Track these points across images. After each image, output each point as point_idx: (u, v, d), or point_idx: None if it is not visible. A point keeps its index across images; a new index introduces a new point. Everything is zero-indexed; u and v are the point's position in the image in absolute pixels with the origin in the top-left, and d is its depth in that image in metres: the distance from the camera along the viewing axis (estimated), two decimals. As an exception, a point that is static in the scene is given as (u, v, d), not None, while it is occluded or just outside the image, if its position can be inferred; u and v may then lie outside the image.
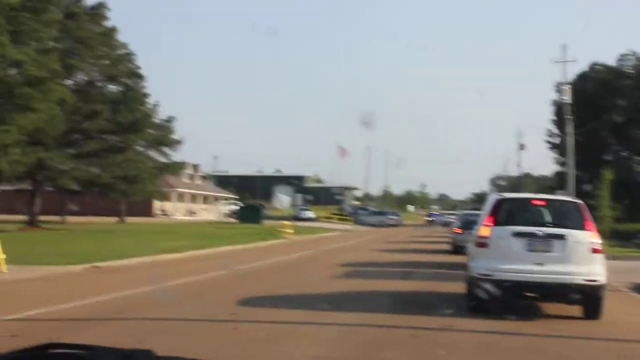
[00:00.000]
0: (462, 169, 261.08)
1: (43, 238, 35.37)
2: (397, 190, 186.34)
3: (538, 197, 14.64)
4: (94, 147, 45.94)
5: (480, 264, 13.33)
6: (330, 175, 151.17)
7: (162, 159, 64.12)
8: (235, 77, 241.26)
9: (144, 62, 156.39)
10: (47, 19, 33.48)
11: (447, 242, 38.36)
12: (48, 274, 19.90)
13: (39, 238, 35.21)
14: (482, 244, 13.48)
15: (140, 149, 61.91)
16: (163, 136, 62.12)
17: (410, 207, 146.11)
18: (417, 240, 49.66)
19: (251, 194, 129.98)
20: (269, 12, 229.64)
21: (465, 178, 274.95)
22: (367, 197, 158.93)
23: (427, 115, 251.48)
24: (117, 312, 13.02)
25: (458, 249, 31.48)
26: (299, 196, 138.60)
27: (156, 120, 61.70)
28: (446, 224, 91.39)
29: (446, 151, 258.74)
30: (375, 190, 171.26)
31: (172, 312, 13.15)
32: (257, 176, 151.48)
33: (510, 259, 13.04)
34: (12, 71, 31.40)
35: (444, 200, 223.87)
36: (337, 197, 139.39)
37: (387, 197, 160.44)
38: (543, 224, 13.38)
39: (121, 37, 52.02)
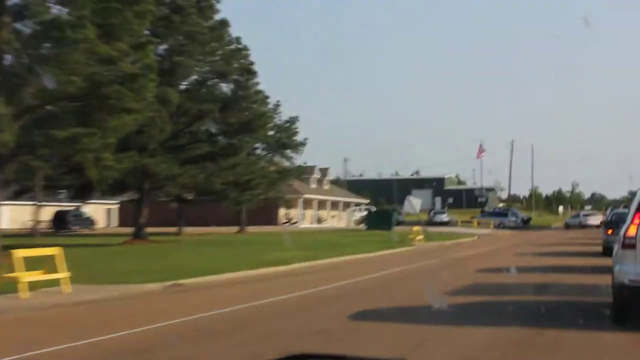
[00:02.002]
0: (620, 163, 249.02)
1: (142, 252, 34.27)
2: (547, 190, 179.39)
3: None
4: (203, 151, 44.42)
5: (628, 268, 12.42)
6: (474, 176, 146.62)
7: (286, 163, 63.15)
8: (367, 72, 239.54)
9: (260, 58, 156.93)
10: (141, 9, 31.93)
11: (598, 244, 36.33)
12: (116, 295, 18.38)
13: (137, 252, 34.15)
14: (629, 245, 12.49)
15: (260, 152, 61.00)
16: (285, 138, 60.92)
17: (560, 208, 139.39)
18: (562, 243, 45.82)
19: (386, 198, 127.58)
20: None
21: (623, 174, 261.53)
22: (512, 199, 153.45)
23: (577, 106, 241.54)
24: (137, 351, 10.53)
25: (610, 252, 28.56)
26: (438, 199, 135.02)
27: (277, 121, 60.59)
28: (583, 226, 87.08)
29: (600, 144, 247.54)
30: (523, 191, 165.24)
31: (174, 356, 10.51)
32: (393, 179, 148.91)
33: None
34: (102, 69, 29.88)
35: (597, 200, 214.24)
36: (480, 199, 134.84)
37: (534, 197, 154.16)
38: None
39: (233, 31, 50.45)
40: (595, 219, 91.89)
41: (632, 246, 12.44)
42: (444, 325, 12.56)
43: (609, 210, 73.56)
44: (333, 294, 18.88)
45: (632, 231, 12.60)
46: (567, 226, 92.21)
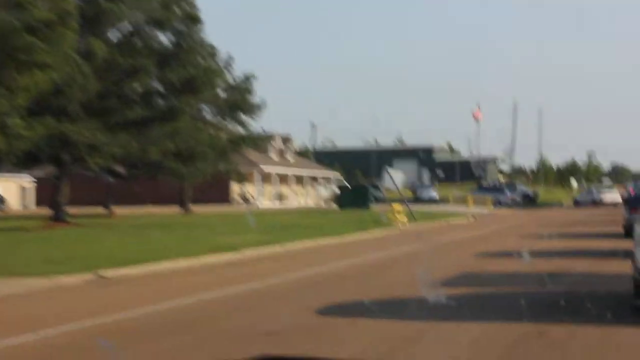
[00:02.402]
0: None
1: (61, 238, 33.96)
2: (558, 160, 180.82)
3: None
4: (136, 115, 43.89)
5: None
6: (470, 145, 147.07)
7: (240, 130, 62.79)
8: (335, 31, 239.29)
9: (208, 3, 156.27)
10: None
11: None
12: (21, 291, 17.87)
13: (55, 238, 33.83)
14: None
15: (208, 117, 60.55)
16: (238, 99, 60.47)
17: (574, 182, 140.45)
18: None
19: (364, 172, 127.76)
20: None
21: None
22: (516, 171, 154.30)
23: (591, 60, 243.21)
24: None
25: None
26: (425, 172, 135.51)
27: (228, 80, 60.11)
28: (597, 204, 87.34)
29: (621, 108, 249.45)
30: (529, 162, 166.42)
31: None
32: (371, 149, 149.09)
33: None
34: (8, 15, 29.37)
35: (619, 172, 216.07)
36: (477, 173, 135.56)
37: (543, 170, 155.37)
38: None
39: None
40: (613, 196, 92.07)
41: None
42: (434, 321, 12.66)
43: (631, 185, 73.91)
44: (294, 286, 18.86)
45: None
46: (577, 204, 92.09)
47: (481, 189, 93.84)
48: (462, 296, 15.83)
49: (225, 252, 26.60)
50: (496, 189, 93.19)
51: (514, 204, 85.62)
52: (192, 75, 46.21)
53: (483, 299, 15.87)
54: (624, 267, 15.84)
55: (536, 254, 24.97)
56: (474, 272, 20.73)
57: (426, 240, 34.55)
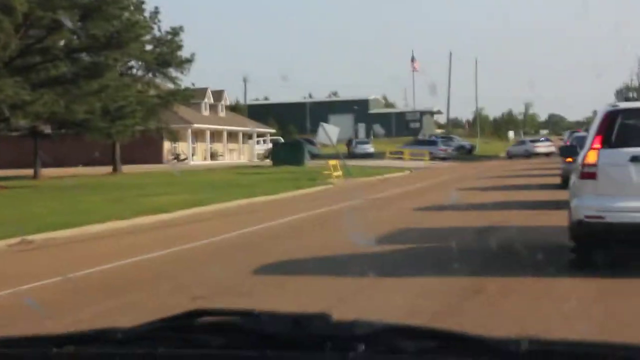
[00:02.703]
0: (580, 80, 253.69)
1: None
2: (495, 112, 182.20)
3: None
4: (60, 72, 43.14)
5: (587, 201, 12.88)
6: (406, 97, 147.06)
7: (170, 86, 62.19)
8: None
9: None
10: None
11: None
12: None
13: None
14: (588, 174, 12.91)
15: (136, 72, 59.82)
16: (166, 54, 59.80)
17: (511, 133, 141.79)
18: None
19: (299, 127, 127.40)
20: None
21: (583, 92, 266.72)
22: (453, 124, 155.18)
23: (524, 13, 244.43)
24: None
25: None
26: (362, 126, 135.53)
27: (156, 33, 59.37)
28: (530, 155, 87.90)
29: (557, 57, 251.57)
30: (466, 114, 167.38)
31: None
32: (306, 102, 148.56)
33: (628, 193, 12.66)
34: None
35: (556, 123, 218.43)
36: (413, 126, 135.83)
37: (479, 121, 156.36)
38: None
39: None
40: (547, 146, 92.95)
41: (592, 175, 12.81)
42: (372, 278, 12.64)
43: (566, 134, 74.66)
44: (227, 247, 18.84)
45: (591, 158, 12.92)
46: (510, 156, 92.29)
47: (416, 142, 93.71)
48: (399, 251, 15.91)
49: (157, 214, 26.44)
50: (430, 142, 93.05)
51: (449, 157, 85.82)
52: (116, 29, 45.42)
53: (420, 255, 15.98)
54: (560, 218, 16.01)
55: (472, 207, 25.22)
56: (410, 227, 20.80)
57: (361, 196, 34.61)
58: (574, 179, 14.18)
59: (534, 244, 15.69)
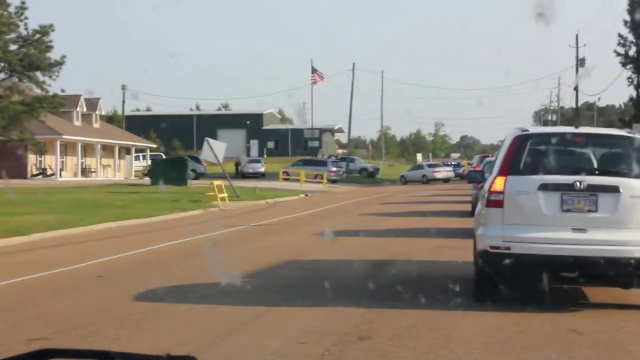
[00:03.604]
0: (496, 102, 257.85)
1: None
2: (403, 132, 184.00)
3: (578, 131, 14.89)
4: None
5: (492, 231, 13.29)
6: (304, 112, 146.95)
7: (37, 92, 61.06)
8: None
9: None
10: None
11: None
12: None
13: None
14: (494, 201, 13.36)
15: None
16: (33, 55, 58.69)
17: (419, 156, 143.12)
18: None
19: (184, 142, 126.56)
20: None
21: (500, 113, 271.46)
22: (356, 143, 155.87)
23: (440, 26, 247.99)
24: None
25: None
26: (254, 143, 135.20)
27: (22, 31, 58.29)
28: (428, 181, 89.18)
29: (471, 78, 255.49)
30: (371, 133, 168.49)
31: None
32: (192, 115, 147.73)
33: (536, 223, 13.11)
34: None
35: (469, 146, 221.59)
36: (311, 144, 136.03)
37: (386, 142, 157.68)
38: (585, 171, 13.34)
39: None
40: (446, 172, 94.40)
41: (499, 203, 13.28)
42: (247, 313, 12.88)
43: (476, 159, 76.11)
44: (83, 277, 18.28)
45: (498, 185, 13.36)
46: (405, 181, 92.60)
47: (304, 162, 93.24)
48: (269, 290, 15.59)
49: (10, 236, 25.87)
50: (319, 162, 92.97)
51: (339, 179, 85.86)
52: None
53: (301, 285, 15.93)
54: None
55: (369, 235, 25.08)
56: (299, 260, 20.47)
57: (245, 222, 34.30)
58: (479, 206, 14.55)
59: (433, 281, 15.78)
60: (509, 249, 12.98)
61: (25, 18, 57.25)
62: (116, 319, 12.95)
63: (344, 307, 13.38)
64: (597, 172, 13.45)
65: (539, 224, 13.05)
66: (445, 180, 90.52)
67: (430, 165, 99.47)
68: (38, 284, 17.00)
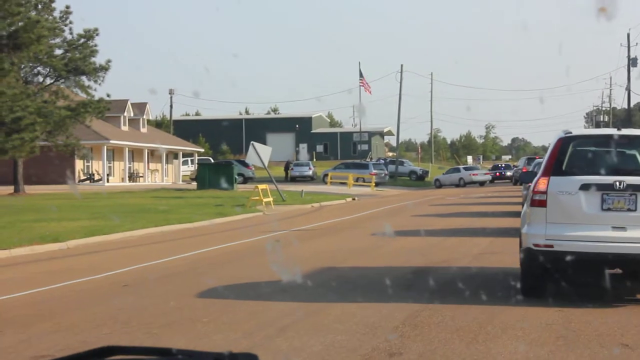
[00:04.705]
0: (549, 104, 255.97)
1: None
2: (453, 134, 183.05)
3: (619, 133, 14.79)
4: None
5: (536, 229, 13.89)
6: (354, 115, 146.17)
7: (83, 97, 60.86)
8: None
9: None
10: None
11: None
12: None
13: None
14: (538, 201, 13.97)
15: (43, 79, 58.45)
16: (78, 59, 58.46)
17: (469, 158, 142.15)
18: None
19: (232, 146, 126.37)
20: None
21: (552, 115, 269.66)
22: (406, 146, 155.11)
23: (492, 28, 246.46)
24: None
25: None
26: (304, 147, 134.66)
27: (67, 36, 58.09)
28: (465, 184, 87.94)
29: (523, 80, 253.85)
30: (422, 136, 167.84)
31: None
32: (241, 119, 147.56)
33: (577, 222, 13.74)
34: None
35: (520, 147, 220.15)
36: (361, 147, 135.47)
37: (436, 144, 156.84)
38: (626, 172, 13.94)
39: None
40: (483, 175, 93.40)
41: (542, 203, 13.91)
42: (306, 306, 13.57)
43: (521, 161, 75.68)
44: (113, 285, 17.70)
45: (541, 185, 13.97)
46: (440, 185, 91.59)
47: (345, 165, 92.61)
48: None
49: (46, 243, 25.48)
50: (360, 165, 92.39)
51: (381, 182, 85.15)
52: (16, 29, 44.15)
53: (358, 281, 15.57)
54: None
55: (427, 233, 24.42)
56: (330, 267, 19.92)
57: (288, 227, 33.74)
58: (525, 206, 15.36)
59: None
60: (551, 246, 13.62)
61: (70, 22, 57.04)
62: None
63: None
64: (637, 172, 14.00)
65: (580, 222, 13.68)
66: (482, 184, 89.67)
67: (467, 169, 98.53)
68: (68, 293, 16.38)
